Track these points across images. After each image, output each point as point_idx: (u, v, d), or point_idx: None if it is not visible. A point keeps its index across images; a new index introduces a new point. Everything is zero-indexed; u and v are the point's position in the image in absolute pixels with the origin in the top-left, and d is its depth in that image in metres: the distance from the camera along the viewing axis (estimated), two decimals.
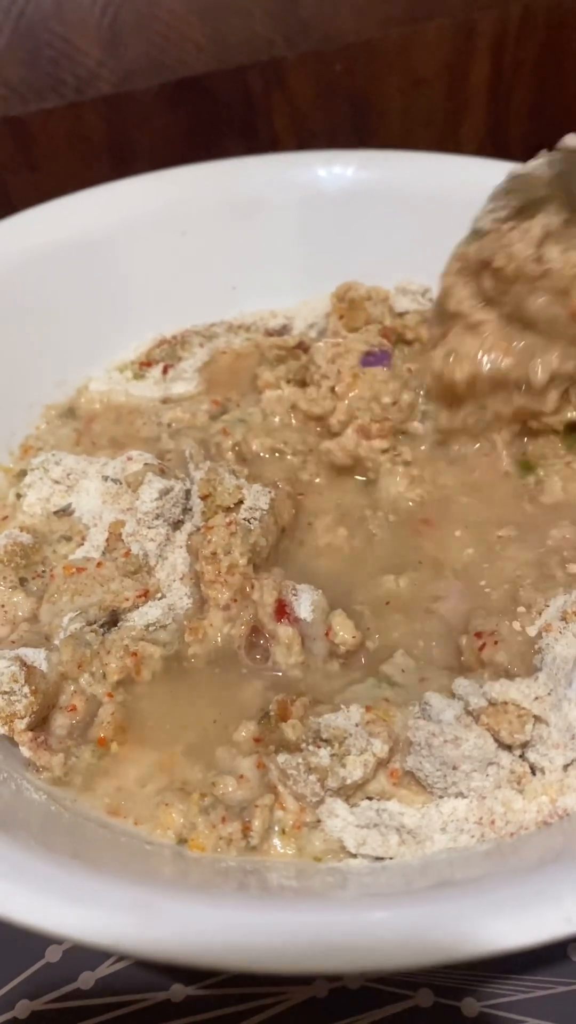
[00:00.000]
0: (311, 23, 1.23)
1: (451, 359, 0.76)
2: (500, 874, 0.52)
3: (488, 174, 0.93)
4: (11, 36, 1.18)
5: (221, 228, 0.96)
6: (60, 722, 0.63)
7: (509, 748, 0.59)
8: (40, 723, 0.62)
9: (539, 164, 0.72)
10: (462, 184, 0.92)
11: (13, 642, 0.66)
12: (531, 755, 0.59)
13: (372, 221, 0.97)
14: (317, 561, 0.75)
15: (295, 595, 0.68)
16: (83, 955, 0.63)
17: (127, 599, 0.68)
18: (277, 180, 0.97)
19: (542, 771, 0.58)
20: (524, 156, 0.99)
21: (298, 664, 0.66)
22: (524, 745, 0.59)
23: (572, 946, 0.61)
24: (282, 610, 0.67)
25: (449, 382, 0.76)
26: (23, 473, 0.79)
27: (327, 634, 0.67)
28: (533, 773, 0.59)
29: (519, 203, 0.73)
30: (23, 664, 0.62)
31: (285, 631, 0.66)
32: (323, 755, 0.58)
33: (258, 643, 0.68)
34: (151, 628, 0.68)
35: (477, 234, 0.76)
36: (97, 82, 1.23)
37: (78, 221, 0.91)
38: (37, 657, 0.64)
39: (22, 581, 0.72)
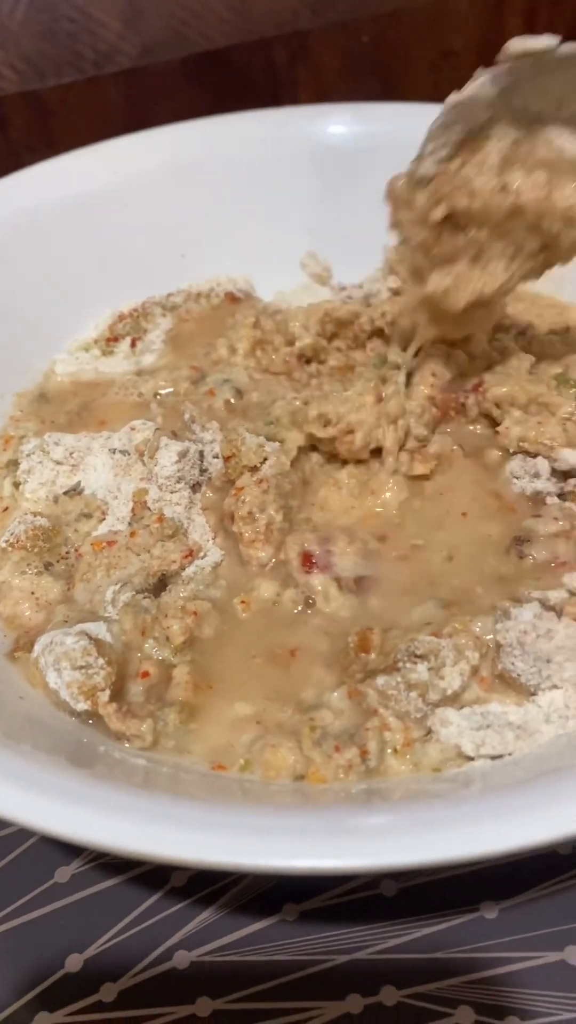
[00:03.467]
0: None
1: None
2: None
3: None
4: (28, 9, 1.15)
5: (163, 196, 0.94)
6: (135, 690, 0.62)
7: None
8: (116, 695, 0.60)
9: (478, 85, 0.61)
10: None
11: (64, 621, 0.64)
12: None
13: (321, 181, 0.95)
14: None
15: (322, 543, 0.67)
16: (104, 965, 0.60)
17: (174, 561, 0.67)
18: (215, 144, 0.95)
19: None
20: None
21: (345, 606, 0.66)
22: None
23: None
24: (308, 561, 0.66)
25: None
26: (14, 463, 0.76)
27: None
28: None
29: (460, 135, 0.64)
30: (90, 638, 0.61)
31: (318, 580, 0.66)
32: (421, 670, 0.59)
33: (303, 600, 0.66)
34: (203, 586, 0.67)
35: (420, 182, 0.66)
36: (117, 56, 1.20)
37: (11, 205, 0.89)
38: (99, 630, 0.62)
39: (47, 566, 0.70)
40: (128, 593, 0.65)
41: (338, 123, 0.95)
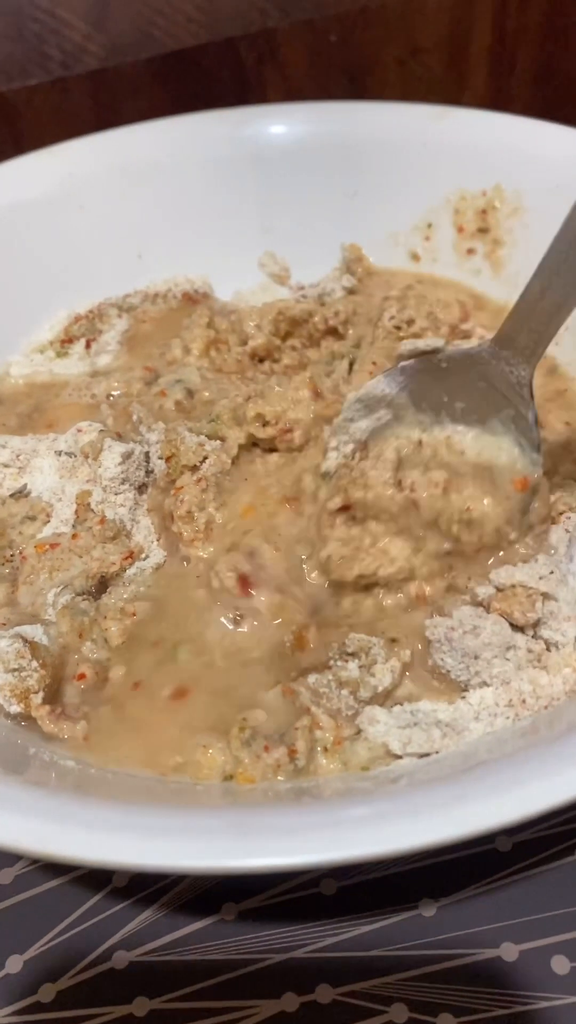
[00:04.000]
0: None
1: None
2: (533, 746, 0.52)
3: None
4: None
5: (119, 198, 0.94)
6: (72, 692, 0.62)
7: (522, 630, 0.61)
8: (52, 697, 0.61)
9: (374, 383, 0.65)
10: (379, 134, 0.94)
11: (3, 624, 0.65)
12: (544, 632, 0.61)
13: (275, 181, 0.95)
14: None
15: (250, 558, 0.66)
16: (44, 966, 0.60)
17: (114, 563, 0.67)
18: (170, 145, 0.95)
19: (556, 646, 0.60)
20: None
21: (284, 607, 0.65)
22: (536, 624, 0.60)
23: (555, 958, 0.58)
24: (245, 584, 0.65)
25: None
26: None
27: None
28: (548, 650, 0.60)
29: (364, 435, 0.65)
30: (25, 641, 0.61)
31: (260, 602, 0.65)
32: (352, 668, 0.59)
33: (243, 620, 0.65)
34: (144, 587, 0.67)
35: (324, 476, 0.67)
36: (84, 57, 1.20)
37: None
38: (36, 633, 0.63)
39: None
40: (68, 596, 0.65)
41: (292, 123, 0.95)
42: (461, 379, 0.63)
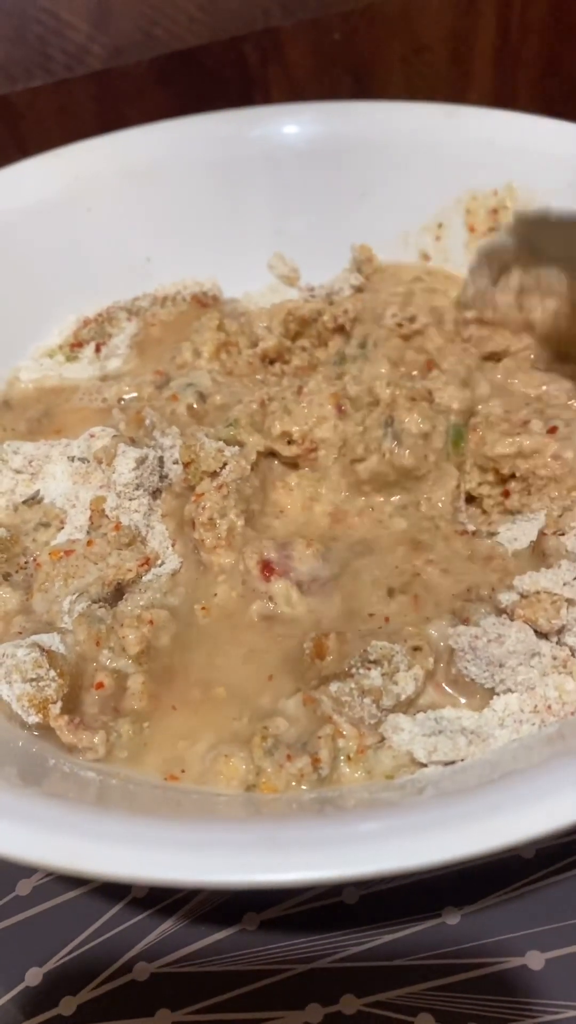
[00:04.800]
0: None
1: None
2: (561, 754, 0.51)
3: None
4: None
5: (126, 200, 0.93)
6: (90, 701, 0.61)
7: (546, 636, 0.60)
8: (70, 707, 0.60)
9: (497, 237, 0.79)
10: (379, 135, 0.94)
11: (19, 632, 0.64)
12: (569, 639, 0.60)
13: (283, 181, 0.95)
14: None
15: (280, 549, 0.66)
16: (64, 978, 0.59)
17: (130, 570, 0.66)
18: (178, 146, 0.94)
19: None
20: None
21: (306, 610, 0.65)
22: (560, 631, 0.60)
23: None
24: (268, 568, 0.65)
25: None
26: None
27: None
28: (573, 656, 0.60)
29: (496, 271, 0.79)
30: (42, 650, 0.60)
31: (279, 585, 0.65)
32: (374, 676, 0.58)
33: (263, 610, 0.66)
34: (160, 594, 0.66)
35: (464, 304, 0.82)
36: (87, 58, 1.20)
37: None
38: (52, 641, 0.62)
39: (5, 576, 0.69)
40: (84, 603, 0.64)
41: (300, 123, 0.94)
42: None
